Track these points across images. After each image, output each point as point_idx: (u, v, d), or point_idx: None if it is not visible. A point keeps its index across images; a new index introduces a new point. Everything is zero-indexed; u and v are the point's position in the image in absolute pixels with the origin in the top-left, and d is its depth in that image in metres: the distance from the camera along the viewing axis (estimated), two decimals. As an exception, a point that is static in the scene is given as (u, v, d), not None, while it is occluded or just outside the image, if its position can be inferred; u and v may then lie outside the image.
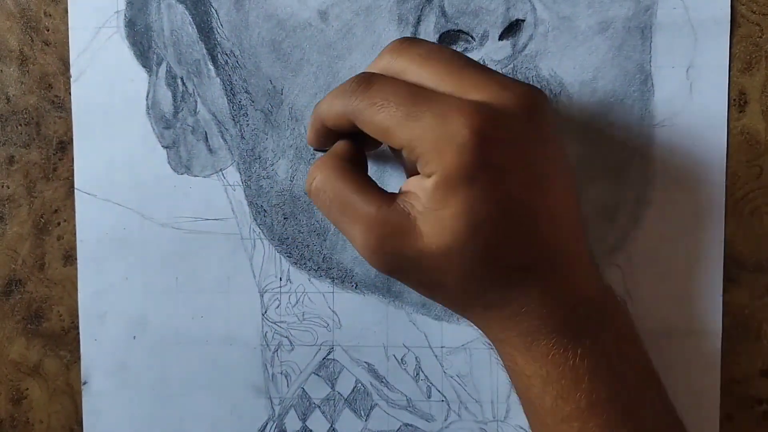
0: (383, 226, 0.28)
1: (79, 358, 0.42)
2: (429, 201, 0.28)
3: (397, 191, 0.31)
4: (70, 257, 0.42)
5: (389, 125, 0.28)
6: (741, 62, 0.39)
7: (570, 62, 0.39)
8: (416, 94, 0.28)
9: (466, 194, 0.27)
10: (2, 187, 0.42)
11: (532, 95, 0.29)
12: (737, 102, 0.39)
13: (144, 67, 0.41)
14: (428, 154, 0.27)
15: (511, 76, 0.38)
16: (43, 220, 0.42)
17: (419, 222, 0.28)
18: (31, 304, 0.42)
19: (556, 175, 0.30)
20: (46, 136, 0.41)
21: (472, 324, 0.34)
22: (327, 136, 0.33)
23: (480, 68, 0.29)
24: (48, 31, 0.41)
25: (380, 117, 0.28)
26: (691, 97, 0.39)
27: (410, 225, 0.28)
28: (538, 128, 0.29)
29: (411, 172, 0.31)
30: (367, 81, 0.29)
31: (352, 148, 0.32)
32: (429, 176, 0.28)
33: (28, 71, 0.41)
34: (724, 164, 0.39)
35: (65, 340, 0.42)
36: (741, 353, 0.40)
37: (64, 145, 0.41)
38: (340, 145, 0.32)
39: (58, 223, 0.42)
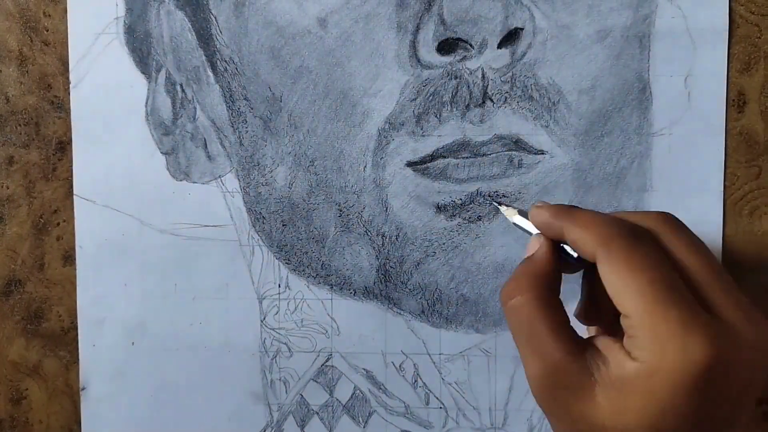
0: (561, 374, 0.28)
1: (78, 358, 0.42)
2: (620, 380, 0.27)
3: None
4: (69, 257, 0.42)
5: (632, 293, 0.27)
6: (740, 63, 0.39)
7: (568, 71, 0.39)
8: (673, 284, 0.27)
9: (664, 400, 0.26)
10: (2, 187, 0.42)
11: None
12: (736, 102, 0.39)
13: (143, 73, 0.41)
14: (649, 343, 0.26)
15: (509, 84, 0.38)
16: (42, 221, 0.42)
17: (599, 390, 0.27)
18: (30, 305, 0.42)
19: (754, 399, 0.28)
20: (46, 136, 0.41)
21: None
22: (550, 233, 0.31)
23: (734, 285, 0.28)
24: (47, 31, 0.41)
25: (629, 281, 0.27)
26: (689, 105, 0.39)
27: (589, 387, 0.27)
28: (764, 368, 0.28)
29: (589, 302, 0.30)
30: (637, 236, 0.28)
31: (556, 270, 0.30)
32: (634, 359, 0.26)
33: (27, 71, 0.41)
34: (722, 172, 0.39)
35: (65, 340, 0.42)
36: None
37: (64, 146, 0.41)
38: (546, 266, 0.30)
39: (58, 224, 0.42)
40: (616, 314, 0.28)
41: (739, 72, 0.39)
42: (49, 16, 0.41)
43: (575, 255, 0.30)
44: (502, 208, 0.34)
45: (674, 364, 0.26)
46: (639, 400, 0.26)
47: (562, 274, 0.30)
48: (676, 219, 0.30)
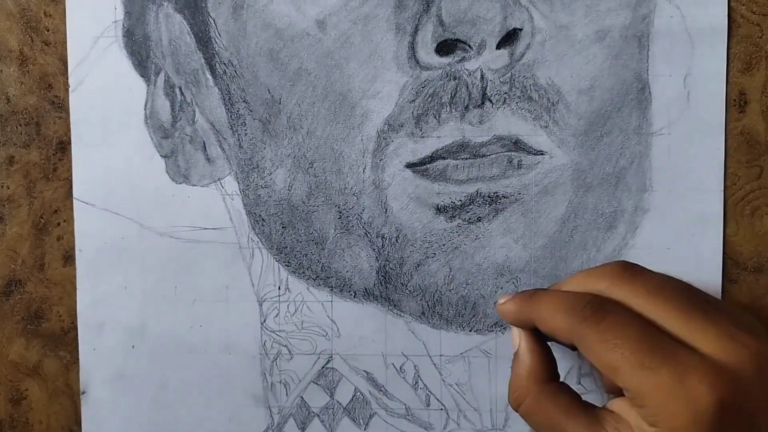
0: None
1: (78, 358, 0.42)
2: None
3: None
4: (69, 257, 0.42)
5: (620, 367, 0.27)
6: (741, 62, 0.39)
7: (567, 71, 0.39)
8: (651, 342, 0.27)
9: None
10: (2, 187, 0.42)
11: (765, 352, 0.28)
12: (737, 102, 0.39)
13: (142, 76, 0.41)
14: (657, 409, 0.27)
15: (508, 85, 0.38)
16: (42, 221, 0.42)
17: None
18: (30, 305, 0.42)
19: None
20: (46, 136, 0.41)
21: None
22: (525, 325, 0.32)
23: (708, 310, 0.28)
24: (48, 31, 0.41)
25: (611, 357, 0.28)
26: (688, 105, 0.39)
27: None
28: None
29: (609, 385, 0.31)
30: (600, 311, 0.29)
31: (545, 358, 0.32)
32: (651, 425, 0.27)
33: (28, 71, 0.41)
34: (722, 171, 0.39)
35: (65, 340, 0.42)
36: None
37: (64, 146, 0.41)
38: (534, 360, 0.31)
39: (58, 224, 0.42)
40: None
41: (741, 72, 0.39)
42: (50, 15, 0.41)
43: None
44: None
45: (687, 422, 0.26)
46: None
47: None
48: (630, 267, 0.30)
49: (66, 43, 0.41)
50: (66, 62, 0.41)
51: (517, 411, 0.31)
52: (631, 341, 0.27)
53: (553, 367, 0.32)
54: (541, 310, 0.31)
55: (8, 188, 0.42)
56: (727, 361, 0.27)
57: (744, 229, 0.39)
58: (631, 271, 0.30)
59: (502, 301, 0.33)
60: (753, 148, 0.39)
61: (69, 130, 0.41)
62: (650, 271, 0.30)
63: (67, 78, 0.41)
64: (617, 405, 0.29)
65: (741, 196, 0.39)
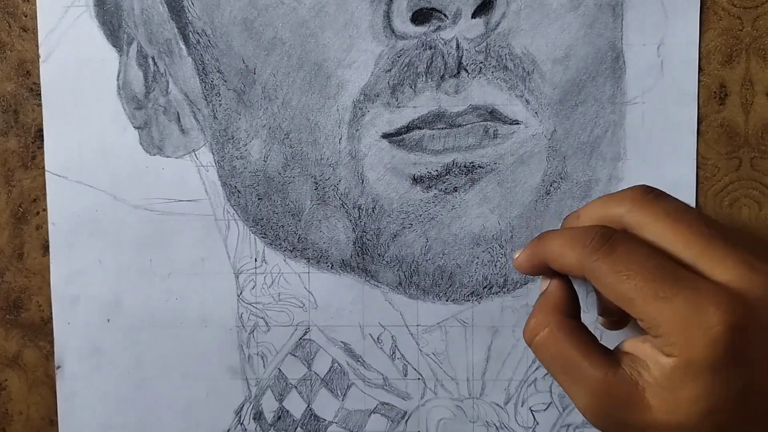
0: (609, 394, 0.28)
1: (58, 347, 0.42)
2: (664, 378, 0.27)
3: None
4: (49, 247, 0.41)
5: (634, 298, 0.27)
6: (722, 55, 0.39)
7: (542, 40, 0.39)
8: (665, 271, 0.27)
9: (710, 381, 0.26)
10: (-22, 176, 0.41)
11: None
12: (717, 95, 0.39)
13: (114, 46, 0.40)
14: (674, 337, 0.27)
15: (484, 54, 0.38)
16: (21, 210, 0.41)
17: (648, 393, 0.28)
18: (9, 295, 0.42)
19: None
20: (24, 124, 0.41)
21: None
22: (542, 270, 0.31)
23: (728, 237, 0.28)
24: (26, 17, 0.40)
25: (625, 288, 0.27)
26: (662, 74, 0.39)
27: (638, 395, 0.28)
28: None
29: (608, 306, 0.31)
30: (610, 242, 0.28)
31: (571, 296, 0.31)
32: (668, 356, 0.27)
33: (5, 58, 0.41)
34: (695, 140, 0.39)
35: (44, 330, 0.42)
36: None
37: (43, 134, 0.41)
38: (560, 296, 0.31)
39: (37, 213, 0.41)
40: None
41: (721, 64, 0.39)
42: (28, 1, 0.40)
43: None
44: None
45: (704, 348, 0.26)
46: (686, 392, 0.27)
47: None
48: (652, 190, 0.30)
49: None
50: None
51: (530, 345, 0.30)
52: (644, 271, 0.27)
53: (576, 307, 0.31)
54: (552, 249, 0.30)
55: (-15, 177, 0.41)
56: (744, 289, 0.27)
57: (723, 220, 0.40)
58: (653, 194, 0.29)
59: (516, 256, 0.32)
60: (732, 140, 0.40)
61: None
62: (671, 196, 0.30)
63: (46, 65, 0.40)
64: (630, 345, 0.29)
65: (720, 188, 0.40)
